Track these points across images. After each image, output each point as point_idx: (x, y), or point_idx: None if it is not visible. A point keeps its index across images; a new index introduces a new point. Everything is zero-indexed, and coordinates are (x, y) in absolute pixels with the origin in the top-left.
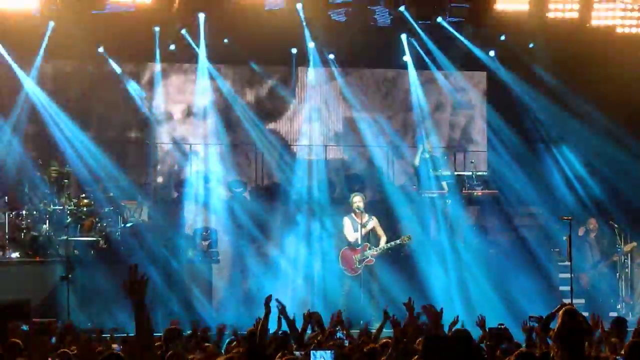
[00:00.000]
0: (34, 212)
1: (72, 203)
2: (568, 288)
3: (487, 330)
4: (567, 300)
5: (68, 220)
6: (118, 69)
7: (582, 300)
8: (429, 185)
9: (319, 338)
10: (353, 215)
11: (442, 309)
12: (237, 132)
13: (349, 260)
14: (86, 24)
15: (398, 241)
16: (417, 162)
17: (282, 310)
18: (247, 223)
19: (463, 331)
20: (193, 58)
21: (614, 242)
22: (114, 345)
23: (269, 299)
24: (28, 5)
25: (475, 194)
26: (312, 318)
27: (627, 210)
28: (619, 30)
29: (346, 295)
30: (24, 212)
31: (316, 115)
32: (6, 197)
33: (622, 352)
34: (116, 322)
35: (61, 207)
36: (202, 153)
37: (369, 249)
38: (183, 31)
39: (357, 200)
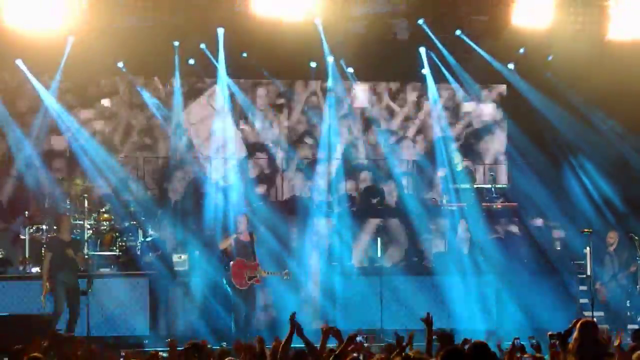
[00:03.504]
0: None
1: (92, 218)
2: (588, 300)
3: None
4: (587, 313)
5: (88, 235)
6: (137, 84)
7: (602, 313)
8: (449, 198)
9: (337, 349)
10: (237, 234)
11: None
12: (255, 145)
13: (240, 274)
14: (106, 39)
15: (277, 273)
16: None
17: (298, 329)
18: (267, 236)
19: (480, 344)
20: (212, 72)
21: (634, 254)
22: None
23: (293, 316)
24: (48, 21)
25: (494, 206)
26: (330, 332)
27: None
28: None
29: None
30: (44, 227)
31: (335, 129)
32: (27, 212)
33: None
34: (136, 336)
35: (82, 222)
36: (221, 166)
37: (259, 269)
38: (202, 46)
39: (241, 221)
